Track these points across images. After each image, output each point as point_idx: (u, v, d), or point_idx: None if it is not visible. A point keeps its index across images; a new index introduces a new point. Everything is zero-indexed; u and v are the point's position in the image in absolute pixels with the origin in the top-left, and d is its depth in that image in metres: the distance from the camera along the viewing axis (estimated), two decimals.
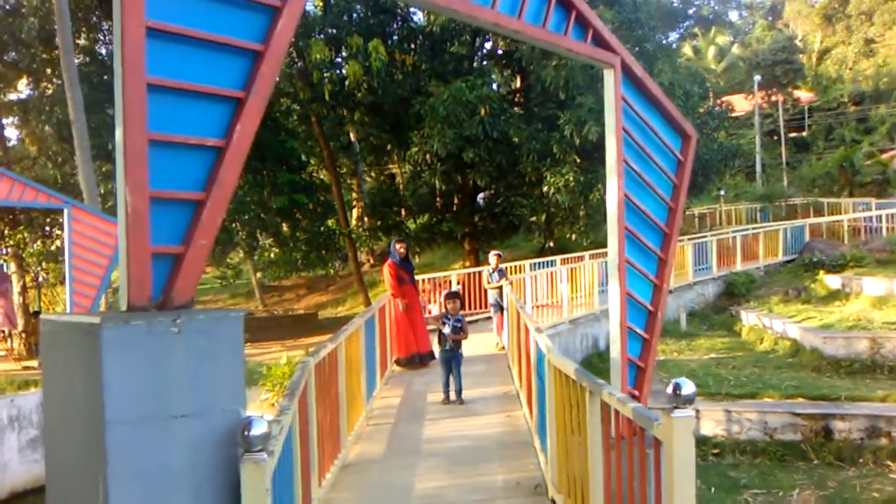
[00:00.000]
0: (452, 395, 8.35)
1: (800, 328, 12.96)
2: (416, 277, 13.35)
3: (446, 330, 8.30)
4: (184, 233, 3.11)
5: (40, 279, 24.09)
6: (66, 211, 14.51)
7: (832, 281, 17.57)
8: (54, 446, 3.16)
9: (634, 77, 5.50)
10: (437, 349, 9.21)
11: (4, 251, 23.87)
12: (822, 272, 18.45)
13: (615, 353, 5.49)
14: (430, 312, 13.53)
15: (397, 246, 10.67)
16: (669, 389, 3.05)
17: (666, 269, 5.85)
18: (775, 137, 45.17)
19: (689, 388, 3.05)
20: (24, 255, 24.23)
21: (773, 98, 45.21)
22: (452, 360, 8.34)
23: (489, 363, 10.82)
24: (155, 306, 3.05)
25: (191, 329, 2.79)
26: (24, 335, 21.35)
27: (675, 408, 2.99)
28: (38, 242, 24.39)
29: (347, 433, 6.64)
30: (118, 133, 3.01)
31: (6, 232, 23.08)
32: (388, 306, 10.23)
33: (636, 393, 5.58)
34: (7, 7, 21.54)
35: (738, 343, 14.38)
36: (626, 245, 5.39)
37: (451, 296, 8.52)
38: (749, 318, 15.72)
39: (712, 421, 9.27)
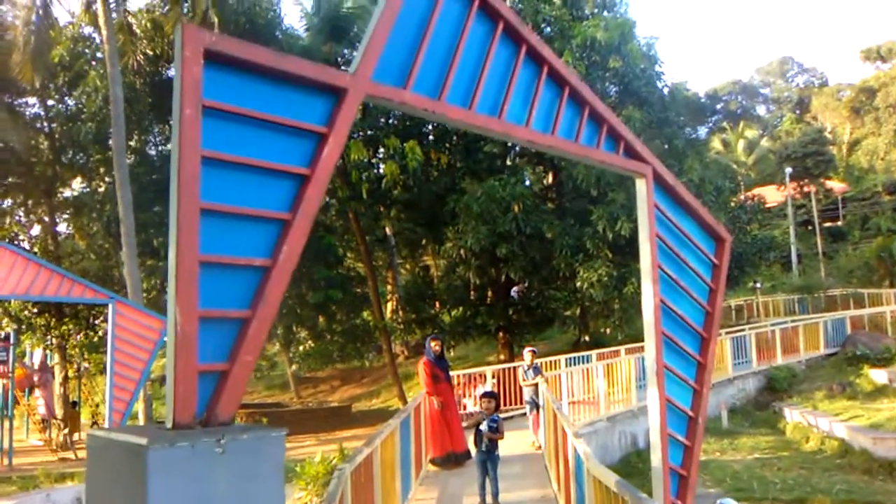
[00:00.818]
0: (489, 499, 8.18)
1: (847, 427, 12.50)
2: (451, 373, 13.32)
3: (483, 427, 8.21)
4: (229, 350, 3.22)
5: (81, 369, 24.47)
6: (110, 305, 14.90)
7: (878, 376, 17.06)
8: None
9: (666, 185, 5.62)
10: (472, 448, 9.08)
11: (49, 342, 24.39)
12: (866, 366, 17.95)
13: (656, 461, 5.38)
14: (464, 408, 13.39)
15: (432, 344, 10.70)
16: None
17: (705, 374, 5.78)
18: (809, 227, 44.92)
19: None
20: (67, 347, 24.74)
21: (806, 189, 45.22)
22: (488, 461, 8.22)
23: (525, 463, 10.60)
24: (199, 423, 3.12)
25: (234, 449, 2.86)
26: (61, 426, 21.56)
27: None
28: (82, 334, 24.90)
29: None
30: (171, 254, 3.17)
31: (52, 324, 23.62)
32: (423, 404, 10.17)
33: (679, 503, 5.43)
34: (68, 113, 22.84)
35: (783, 442, 13.88)
36: (663, 350, 5.38)
37: (488, 395, 8.48)
38: (793, 415, 15.24)
39: None
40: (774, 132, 59.55)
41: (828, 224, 47.05)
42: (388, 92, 3.85)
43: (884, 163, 52.48)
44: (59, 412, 22.69)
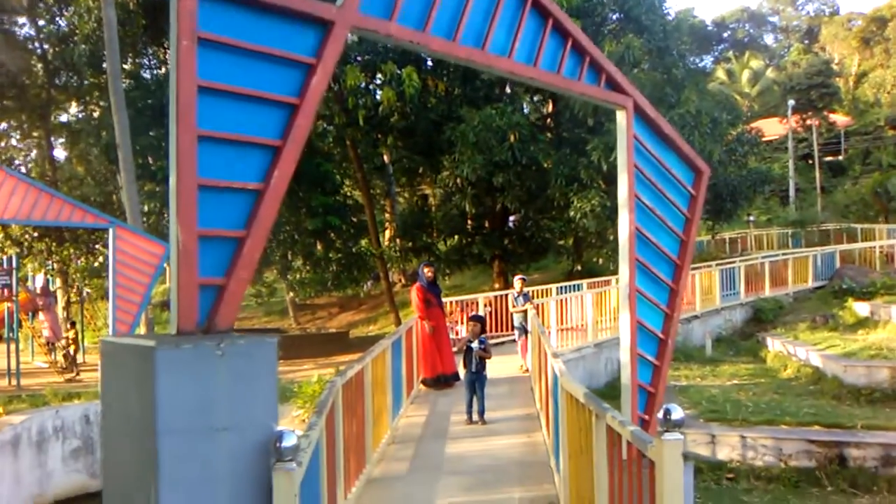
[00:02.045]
0: (475, 416, 8.66)
1: (822, 356, 13.01)
2: (444, 300, 13.73)
3: (475, 345, 8.63)
4: (227, 266, 3.52)
5: (84, 294, 24.96)
6: (111, 230, 15.17)
7: (861, 308, 17.52)
8: (111, 454, 3.57)
9: (646, 117, 5.83)
10: (461, 371, 9.54)
11: (50, 267, 24.78)
12: (851, 299, 18.39)
13: (626, 379, 5.77)
14: (457, 334, 13.86)
15: (425, 270, 11.04)
16: (660, 414, 3.35)
17: (677, 299, 6.12)
18: (810, 161, 44.85)
19: (678, 413, 3.35)
20: (69, 272, 25.11)
21: (808, 122, 44.93)
22: (477, 381, 8.66)
23: (513, 385, 11.10)
24: (201, 331, 3.45)
25: (232, 352, 3.19)
26: (66, 348, 22.16)
27: (665, 431, 3.29)
28: (83, 259, 25.30)
29: (373, 450, 6.99)
30: (172, 179, 3.44)
31: (53, 248, 23.96)
32: (415, 328, 10.59)
33: (646, 418, 5.84)
34: (60, 34, 22.60)
35: (762, 370, 14.43)
36: (637, 276, 5.69)
37: (474, 319, 8.87)
38: (774, 344, 15.76)
39: (728, 446, 9.42)
40: (781, 63, 58.63)
41: (829, 158, 46.94)
42: (374, 24, 4.03)
43: (890, 96, 51.90)
44: (63, 335, 23.31)
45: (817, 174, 42.41)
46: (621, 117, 5.65)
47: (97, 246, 24.86)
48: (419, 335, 10.79)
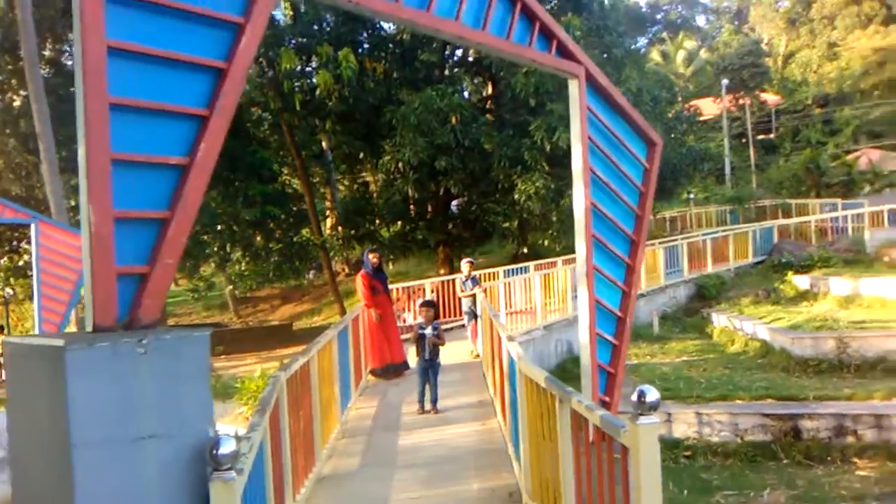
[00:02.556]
0: (427, 405, 8.37)
1: (769, 329, 13.15)
2: (390, 286, 13.37)
3: (428, 331, 8.32)
4: (149, 252, 3.10)
5: (7, 295, 23.72)
6: (33, 226, 14.29)
7: (800, 281, 17.88)
8: (21, 470, 3.13)
9: (599, 87, 5.58)
10: (412, 359, 9.22)
11: None
12: (790, 273, 18.76)
13: (585, 359, 5.54)
14: (404, 321, 13.53)
15: (370, 256, 10.67)
16: (634, 397, 3.11)
17: (634, 276, 5.92)
18: (744, 140, 45.90)
19: (653, 395, 3.12)
20: None
21: (741, 101, 45.95)
22: (430, 369, 8.36)
23: (464, 371, 10.85)
24: (121, 326, 3.03)
25: (157, 349, 2.79)
26: None
27: (640, 415, 3.05)
28: (6, 258, 24.03)
29: (322, 446, 6.62)
30: (80, 152, 3.00)
31: None
32: (361, 317, 10.22)
33: (607, 399, 5.64)
34: None
35: (710, 345, 14.55)
36: (594, 252, 5.46)
37: (427, 304, 8.56)
38: (720, 320, 15.93)
39: (684, 424, 9.37)
40: (713, 43, 59.74)
41: (761, 137, 48.12)
42: None
43: (816, 76, 53.43)
44: None
45: (752, 152, 43.43)
46: (573, 86, 5.39)
47: (22, 244, 23.59)
48: (366, 324, 10.43)
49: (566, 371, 14.04)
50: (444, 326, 15.34)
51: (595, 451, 3.78)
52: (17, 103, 22.25)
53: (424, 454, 6.84)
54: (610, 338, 5.77)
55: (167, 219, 3.12)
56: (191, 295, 31.88)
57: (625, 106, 5.89)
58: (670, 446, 8.93)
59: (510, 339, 6.02)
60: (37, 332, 14.57)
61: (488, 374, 9.50)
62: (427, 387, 8.36)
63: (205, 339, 2.96)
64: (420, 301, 9.83)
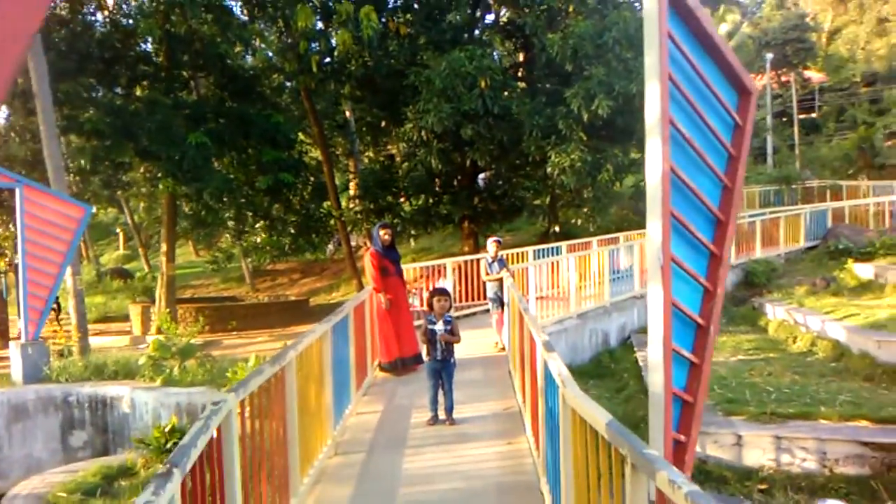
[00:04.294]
0: (441, 414, 6.92)
1: (845, 328, 11.30)
2: (407, 266, 11.92)
3: (439, 327, 6.85)
4: None
5: (12, 263, 22.72)
6: (17, 190, 13.04)
7: (863, 270, 16.04)
8: None
9: (686, 9, 3.99)
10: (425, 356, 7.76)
11: None
12: (849, 261, 16.93)
13: (657, 385, 4.01)
14: (413, 306, 12.04)
15: (381, 232, 9.20)
16: None
17: (721, 270, 4.37)
18: (785, 119, 43.52)
19: None
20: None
21: (784, 78, 43.52)
22: (443, 371, 6.90)
23: (487, 367, 9.37)
24: None
25: None
26: None
27: None
28: (11, 226, 22.95)
29: (303, 473, 5.20)
30: None
31: None
32: (368, 302, 8.76)
33: (682, 438, 4.13)
34: None
35: (767, 341, 12.81)
36: (671, 237, 3.92)
37: (439, 293, 7.05)
38: (776, 311, 14.18)
39: (758, 449, 7.69)
40: (754, 18, 56.90)
41: (803, 116, 45.62)
42: None
43: (864, 53, 50.55)
44: None
45: (795, 131, 41.06)
46: (651, 3, 3.81)
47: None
48: (374, 311, 8.98)
49: (601, 365, 12.55)
50: (464, 312, 13.94)
51: None
52: None
53: (434, 486, 5.40)
54: (687, 354, 4.23)
55: None
56: (209, 267, 30.74)
57: (714, 38, 4.30)
58: (742, 476, 7.31)
59: (549, 347, 4.51)
60: (22, 305, 13.40)
61: (516, 375, 8.01)
62: (440, 391, 6.91)
63: None
64: (432, 289, 8.32)
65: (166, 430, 7.72)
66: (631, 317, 14.41)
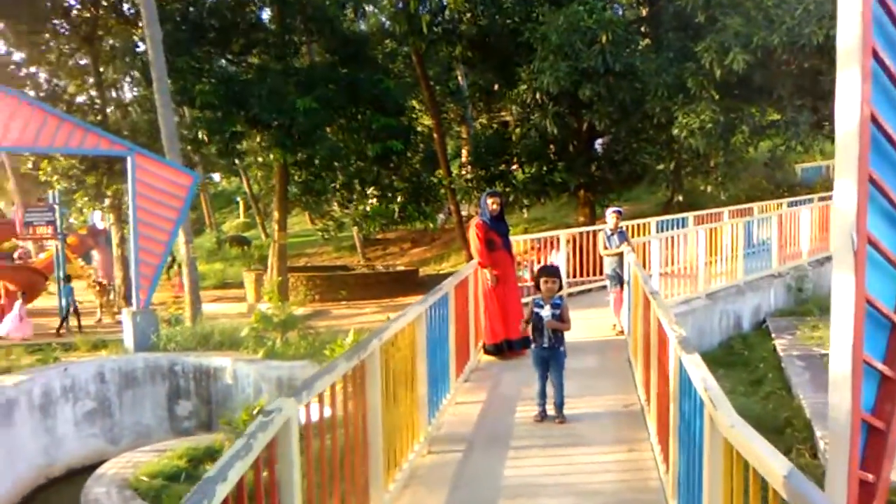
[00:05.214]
0: (550, 408, 6.07)
1: None
2: (515, 238, 11.04)
3: (545, 312, 5.97)
4: None
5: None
6: (129, 159, 13.15)
7: None
8: None
9: None
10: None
11: (102, 202, 23.38)
12: None
13: (840, 409, 2.98)
14: (523, 280, 11.12)
15: (489, 201, 8.35)
16: None
17: None
18: None
19: None
20: (122, 207, 23.68)
21: None
22: (551, 361, 6.03)
23: (603, 353, 8.40)
24: None
25: None
26: (115, 289, 20.87)
27: None
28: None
29: (389, 478, 4.52)
30: None
31: (104, 182, 22.38)
32: (472, 279, 7.96)
33: (869, 478, 3.08)
34: None
35: None
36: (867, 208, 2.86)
37: (547, 272, 6.14)
38: None
39: None
40: None
41: None
42: None
43: None
44: (117, 274, 21.96)
45: None
46: None
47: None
48: (479, 288, 8.20)
49: (733, 352, 11.25)
50: (578, 288, 12.92)
51: None
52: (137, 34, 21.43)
53: (539, 500, 4.57)
54: (879, 365, 3.16)
55: None
56: (321, 235, 31.02)
57: None
58: None
59: (688, 347, 3.56)
60: (133, 272, 13.57)
61: (637, 365, 7.03)
62: (548, 384, 6.06)
63: None
64: (539, 267, 7.42)
65: (254, 412, 7.31)
66: (767, 298, 12.93)
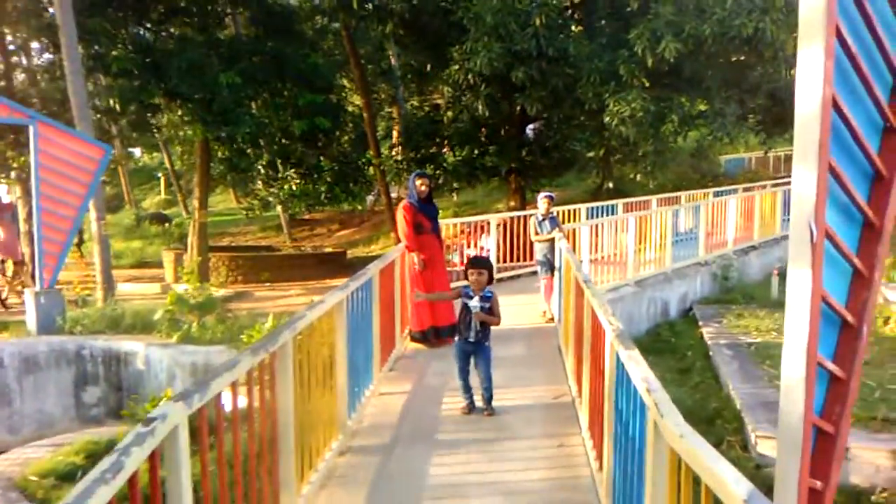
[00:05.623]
0: (478, 400, 5.80)
1: None
2: (444, 221, 10.73)
3: (474, 303, 5.66)
4: None
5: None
6: (31, 127, 12.14)
7: None
8: None
9: None
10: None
11: (10, 175, 21.88)
12: None
13: (791, 413, 2.76)
14: (452, 264, 10.84)
15: (417, 182, 8.00)
16: None
17: (879, 246, 3.07)
18: None
19: None
20: (29, 180, 22.21)
21: None
22: (476, 355, 5.74)
23: (532, 341, 8.20)
24: None
25: None
26: (16, 267, 19.56)
27: None
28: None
29: (302, 482, 4.14)
30: None
31: (9, 154, 20.94)
32: (398, 263, 7.61)
33: (818, 485, 2.90)
34: None
35: None
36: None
37: (477, 264, 5.83)
38: None
39: (869, 465, 6.32)
40: None
41: None
42: None
43: None
44: (24, 251, 20.63)
45: None
46: None
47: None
48: (406, 272, 7.86)
49: (660, 339, 11.28)
50: (509, 273, 12.75)
51: None
52: None
53: (466, 502, 4.29)
54: (829, 364, 2.97)
55: None
56: (245, 214, 30.00)
57: None
58: (849, 501, 6.05)
59: (625, 342, 3.31)
60: (36, 249, 12.63)
61: (568, 354, 6.84)
62: (471, 375, 5.78)
63: None
64: (469, 258, 7.13)
65: (160, 403, 6.79)
66: (693, 285, 13.03)
